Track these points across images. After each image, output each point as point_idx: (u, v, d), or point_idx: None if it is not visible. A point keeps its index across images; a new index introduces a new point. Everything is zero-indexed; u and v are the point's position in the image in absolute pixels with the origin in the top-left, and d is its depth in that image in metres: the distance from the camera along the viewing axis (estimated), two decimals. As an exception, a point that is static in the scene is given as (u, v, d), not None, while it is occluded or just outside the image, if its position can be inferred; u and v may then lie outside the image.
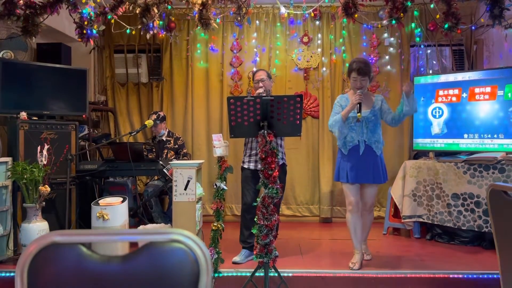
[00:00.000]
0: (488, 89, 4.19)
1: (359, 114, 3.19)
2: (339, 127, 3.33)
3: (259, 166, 3.62)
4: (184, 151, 4.84)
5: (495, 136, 4.14)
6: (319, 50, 5.46)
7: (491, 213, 2.10)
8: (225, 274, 3.30)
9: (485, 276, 3.17)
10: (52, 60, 4.43)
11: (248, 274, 3.15)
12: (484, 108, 4.21)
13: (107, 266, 0.93)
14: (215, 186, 3.29)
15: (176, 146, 4.80)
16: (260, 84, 3.72)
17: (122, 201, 3.61)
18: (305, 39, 5.49)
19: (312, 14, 4.60)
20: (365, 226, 3.53)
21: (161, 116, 4.71)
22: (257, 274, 3.09)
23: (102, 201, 3.59)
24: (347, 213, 3.47)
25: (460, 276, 3.22)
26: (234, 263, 3.59)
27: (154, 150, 4.75)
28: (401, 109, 3.34)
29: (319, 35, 5.47)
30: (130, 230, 0.94)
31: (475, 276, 3.20)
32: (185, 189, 3.36)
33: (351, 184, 3.38)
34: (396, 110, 3.42)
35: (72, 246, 0.93)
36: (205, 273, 0.92)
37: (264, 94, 3.54)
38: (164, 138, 4.80)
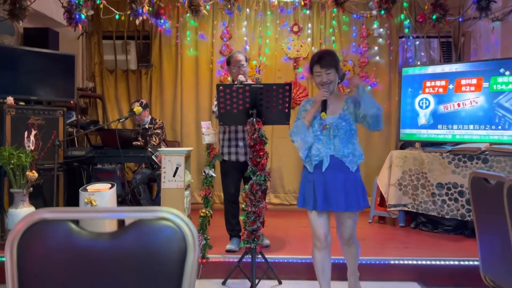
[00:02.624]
0: (474, 81, 4.25)
1: (323, 113, 2.52)
2: (302, 135, 2.56)
3: (241, 158, 3.65)
4: (157, 131, 4.75)
5: (480, 127, 4.21)
6: (309, 39, 5.48)
7: (472, 200, 2.16)
8: (213, 260, 3.34)
9: (466, 262, 3.26)
10: (39, 45, 4.36)
11: (236, 260, 3.20)
12: (470, 100, 4.28)
13: (96, 242, 0.95)
14: (203, 173, 3.31)
15: (154, 130, 4.76)
16: (241, 71, 3.57)
17: (111, 188, 3.62)
18: (295, 28, 5.49)
19: (303, 3, 4.61)
20: (349, 262, 2.77)
21: (144, 104, 4.68)
22: (244, 260, 3.14)
23: (90, 187, 3.59)
24: (313, 249, 2.66)
25: (442, 262, 3.30)
26: (228, 251, 3.59)
27: (139, 138, 4.73)
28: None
29: (309, 25, 5.48)
30: (119, 208, 0.96)
31: (456, 262, 3.28)
32: (174, 176, 3.37)
33: (319, 212, 2.58)
34: None
35: (61, 223, 0.95)
36: (192, 250, 0.94)
37: (245, 81, 3.48)
38: (147, 126, 4.79)
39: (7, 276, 0.94)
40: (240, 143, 3.64)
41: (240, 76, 3.49)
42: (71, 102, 4.73)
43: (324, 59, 2.56)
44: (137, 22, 4.10)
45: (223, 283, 3.20)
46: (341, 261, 3.31)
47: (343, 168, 2.53)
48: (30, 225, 0.95)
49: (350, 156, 2.55)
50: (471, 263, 3.24)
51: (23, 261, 0.94)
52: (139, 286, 0.94)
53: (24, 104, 4.02)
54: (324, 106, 2.54)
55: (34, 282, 0.94)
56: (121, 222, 3.76)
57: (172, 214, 0.94)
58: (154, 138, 4.68)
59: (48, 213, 0.95)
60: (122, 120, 4.20)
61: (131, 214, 0.95)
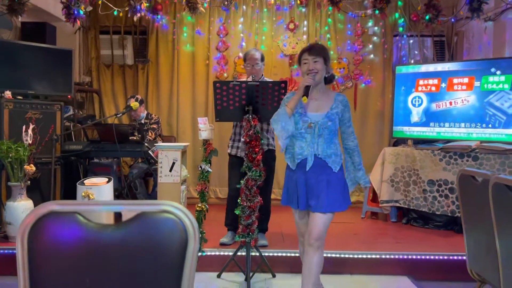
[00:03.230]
0: (465, 80, 4.33)
1: (304, 97, 2.42)
2: (283, 123, 2.46)
3: (239, 152, 3.72)
4: (153, 126, 4.80)
5: (471, 125, 4.30)
6: (305, 37, 5.53)
7: (460, 197, 2.24)
8: (209, 253, 3.41)
9: (455, 257, 3.36)
10: (36, 40, 4.39)
11: (231, 254, 3.27)
12: (461, 98, 4.36)
13: (102, 233, 1.01)
14: (200, 168, 3.37)
15: (149, 124, 4.81)
16: (254, 70, 3.53)
17: (108, 181, 3.67)
18: (291, 26, 5.54)
19: (299, 1, 4.66)
20: (309, 269, 2.48)
21: (139, 100, 4.72)
22: (239, 253, 3.21)
23: (87, 181, 3.63)
24: (299, 244, 2.72)
25: (432, 257, 3.39)
26: (222, 244, 3.65)
27: (135, 134, 4.77)
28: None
29: (305, 22, 5.54)
30: (124, 201, 1.02)
31: (445, 257, 3.37)
32: (170, 170, 3.43)
33: (301, 211, 2.58)
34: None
35: (69, 215, 1.01)
36: (192, 240, 1.01)
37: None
38: (143, 121, 4.83)
39: (18, 266, 1.00)
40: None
41: (251, 76, 3.43)
42: (68, 96, 4.76)
43: (314, 48, 2.54)
44: (135, 18, 4.14)
45: (218, 276, 3.27)
46: (332, 255, 3.40)
47: (326, 169, 2.48)
48: (40, 217, 1.01)
49: (333, 156, 2.49)
50: (459, 257, 3.33)
51: (33, 251, 1.00)
52: (143, 274, 1.01)
53: (21, 98, 4.05)
54: (306, 91, 2.45)
55: (44, 271, 1.01)
56: (117, 216, 3.81)
57: (174, 207, 1.01)
58: (150, 133, 4.73)
59: (57, 206, 1.01)
60: (119, 115, 4.25)
61: (136, 207, 1.01)
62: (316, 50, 2.51)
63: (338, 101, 2.53)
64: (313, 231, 2.47)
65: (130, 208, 1.02)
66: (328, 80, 2.61)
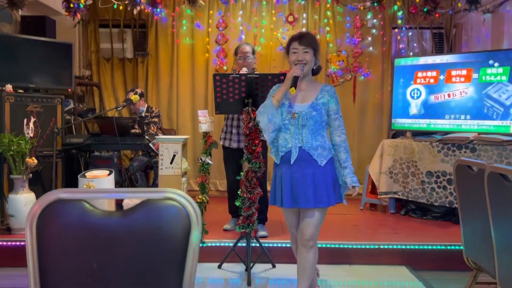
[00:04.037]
0: (464, 72, 4.36)
1: (292, 88, 2.33)
2: (270, 115, 2.36)
3: (234, 144, 3.76)
4: (154, 119, 4.83)
5: (469, 117, 4.33)
6: (304, 29, 5.54)
7: (456, 186, 2.28)
8: (209, 244, 3.45)
9: (452, 247, 3.40)
10: (36, 34, 4.41)
11: (231, 245, 3.31)
12: (460, 90, 4.39)
13: (108, 220, 1.05)
14: (200, 160, 3.41)
15: (150, 118, 4.83)
16: (245, 63, 3.66)
17: (109, 174, 3.70)
18: (291, 19, 5.56)
19: (298, -6, 4.67)
20: (304, 267, 2.45)
21: (139, 93, 4.73)
22: (239, 244, 3.25)
23: (89, 174, 3.67)
24: (290, 237, 2.67)
25: (430, 247, 3.44)
26: (225, 230, 3.79)
27: (136, 126, 4.80)
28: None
29: (304, 15, 5.55)
30: (129, 189, 1.06)
31: (443, 247, 3.42)
32: (171, 163, 3.46)
33: (289, 209, 2.46)
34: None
35: (76, 202, 1.04)
36: (195, 226, 1.04)
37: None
38: (143, 115, 4.85)
39: (28, 251, 1.04)
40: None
41: (244, 68, 3.56)
42: (69, 90, 4.79)
43: (304, 37, 2.41)
44: (134, 11, 4.15)
45: (219, 267, 3.31)
46: (332, 245, 3.44)
47: (311, 162, 2.35)
48: (48, 204, 1.04)
49: (319, 149, 2.36)
50: (457, 247, 3.37)
51: (41, 237, 1.04)
52: (147, 259, 1.04)
53: (22, 91, 4.08)
54: (295, 82, 2.34)
55: (52, 256, 1.04)
56: (118, 205, 3.86)
57: (177, 194, 1.04)
58: (152, 127, 4.76)
59: (64, 193, 1.04)
60: (119, 108, 4.27)
61: (141, 194, 1.05)
62: (306, 40, 2.39)
63: (325, 91, 2.43)
64: (305, 232, 2.39)
65: (134, 196, 1.05)
66: (315, 71, 2.52)
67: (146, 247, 1.04)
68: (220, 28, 5.58)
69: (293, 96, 2.42)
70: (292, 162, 2.35)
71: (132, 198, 1.06)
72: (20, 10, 3.95)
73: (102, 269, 1.04)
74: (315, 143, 2.36)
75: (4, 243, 3.41)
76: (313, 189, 2.33)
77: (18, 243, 3.40)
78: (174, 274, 1.05)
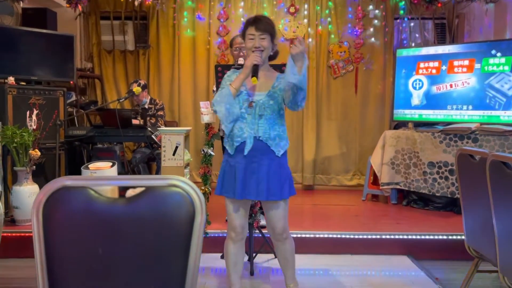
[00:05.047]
0: (466, 62, 4.34)
1: (254, 78, 2.19)
2: (228, 105, 2.23)
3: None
4: (160, 113, 4.83)
5: (471, 107, 4.33)
6: (305, 20, 5.53)
7: (458, 176, 2.28)
8: (212, 235, 3.48)
9: (454, 237, 3.42)
10: (37, 26, 4.40)
11: (234, 235, 3.33)
12: (462, 81, 4.38)
13: (113, 207, 1.06)
14: (202, 152, 3.42)
15: (155, 111, 4.84)
16: (241, 54, 3.60)
17: (112, 166, 3.72)
18: (292, 9, 5.53)
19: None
20: (285, 258, 2.46)
21: (142, 84, 4.73)
22: (242, 234, 3.27)
23: (92, 165, 3.69)
24: (227, 240, 2.47)
25: (431, 237, 3.46)
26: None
27: (138, 118, 4.80)
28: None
29: (306, 6, 5.52)
30: (133, 176, 1.07)
31: (444, 237, 3.44)
32: (174, 154, 3.47)
33: (237, 201, 2.34)
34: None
35: (81, 189, 1.06)
36: (199, 213, 1.05)
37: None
38: (146, 106, 4.86)
39: (35, 240, 1.05)
40: None
41: (240, 58, 3.54)
42: (71, 82, 4.80)
43: (261, 22, 2.27)
44: (135, 3, 4.14)
45: (222, 257, 3.33)
46: (334, 236, 3.46)
47: (267, 152, 2.28)
48: (53, 191, 1.06)
49: (277, 139, 2.29)
50: (458, 237, 3.39)
51: (47, 223, 1.05)
52: (153, 245, 1.06)
53: (25, 84, 4.09)
54: (255, 70, 2.21)
55: (58, 242, 1.06)
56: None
57: (182, 181, 1.05)
58: (160, 121, 4.77)
59: (69, 181, 1.06)
60: (121, 100, 4.28)
61: (146, 181, 1.06)
62: (263, 26, 2.26)
63: (281, 77, 2.31)
64: (276, 226, 2.36)
65: (139, 183, 1.07)
66: (273, 57, 2.41)
67: (150, 233, 1.06)
68: (222, 20, 5.57)
69: (249, 83, 2.29)
70: (246, 153, 2.27)
71: (136, 185, 1.07)
72: (21, 2, 3.93)
73: (107, 255, 1.05)
74: (273, 133, 2.29)
75: (9, 234, 3.44)
76: (266, 180, 2.26)
77: (23, 234, 3.43)
78: (179, 260, 1.06)
